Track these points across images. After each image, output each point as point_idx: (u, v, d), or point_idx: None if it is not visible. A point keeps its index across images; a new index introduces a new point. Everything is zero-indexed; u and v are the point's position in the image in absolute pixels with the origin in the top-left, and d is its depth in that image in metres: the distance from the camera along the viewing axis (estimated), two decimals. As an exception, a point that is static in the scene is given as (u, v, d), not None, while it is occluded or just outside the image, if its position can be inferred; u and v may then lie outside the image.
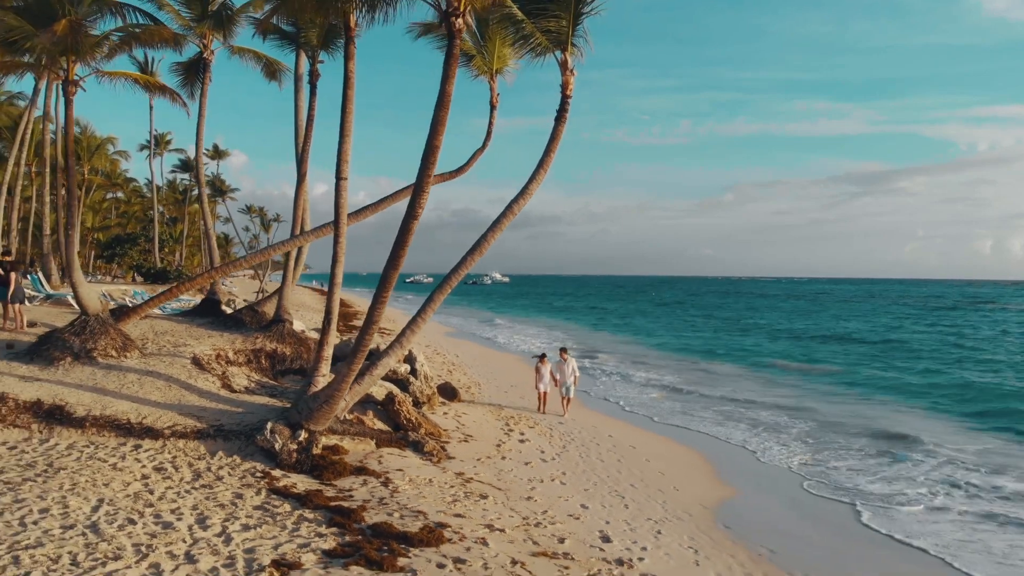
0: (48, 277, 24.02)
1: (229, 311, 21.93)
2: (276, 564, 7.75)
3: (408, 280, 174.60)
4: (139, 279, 49.19)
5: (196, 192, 73.44)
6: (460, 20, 10.60)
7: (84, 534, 8.07)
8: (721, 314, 78.13)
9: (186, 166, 71.07)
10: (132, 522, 8.56)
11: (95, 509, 8.87)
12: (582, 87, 13.40)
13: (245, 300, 39.32)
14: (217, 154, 72.35)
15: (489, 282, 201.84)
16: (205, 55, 20.85)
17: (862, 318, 71.31)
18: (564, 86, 13.70)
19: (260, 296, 50.04)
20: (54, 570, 7.13)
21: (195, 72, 21.52)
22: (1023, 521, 12.12)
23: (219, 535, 8.47)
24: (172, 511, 9.10)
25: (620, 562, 9.31)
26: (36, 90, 26.63)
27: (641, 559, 9.55)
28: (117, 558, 7.53)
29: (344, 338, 20.25)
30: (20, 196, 30.14)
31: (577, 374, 19.31)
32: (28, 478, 9.82)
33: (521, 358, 33.71)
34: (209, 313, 20.37)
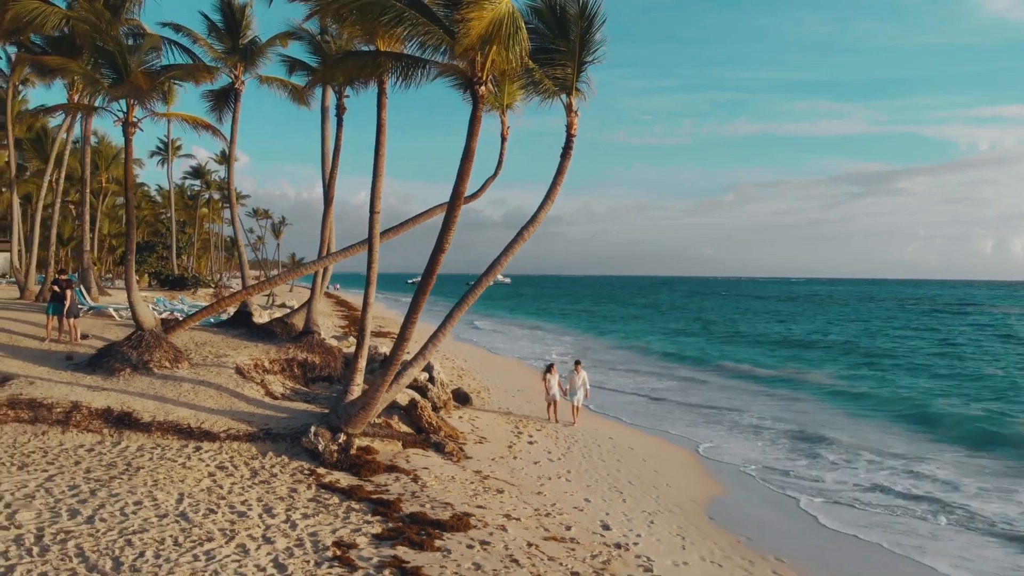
0: (88, 290, 25.75)
1: (260, 322, 23.61)
2: (337, 545, 9.50)
3: (409, 282, 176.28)
4: (155, 284, 50.90)
5: (207, 197, 75.52)
6: (483, 88, 12.29)
7: (177, 521, 9.80)
8: (711, 317, 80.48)
9: (196, 172, 72.95)
10: (213, 512, 10.29)
11: (179, 501, 10.58)
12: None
13: (259, 305, 41.05)
14: (224, 160, 74.08)
15: (491, 283, 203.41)
16: (236, 85, 22.56)
17: (847, 322, 73.23)
18: (569, 126, 15.32)
19: (270, 300, 51.88)
20: (163, 550, 8.85)
21: (225, 100, 23.24)
22: (948, 513, 13.96)
23: (285, 522, 10.21)
24: (242, 503, 10.82)
25: (618, 546, 11.04)
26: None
27: (636, 543, 11.27)
28: (210, 540, 9.26)
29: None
30: (58, 212, 31.80)
31: (587, 386, 20.61)
32: (114, 476, 11.52)
33: (522, 363, 35.50)
34: (241, 324, 22.07)
